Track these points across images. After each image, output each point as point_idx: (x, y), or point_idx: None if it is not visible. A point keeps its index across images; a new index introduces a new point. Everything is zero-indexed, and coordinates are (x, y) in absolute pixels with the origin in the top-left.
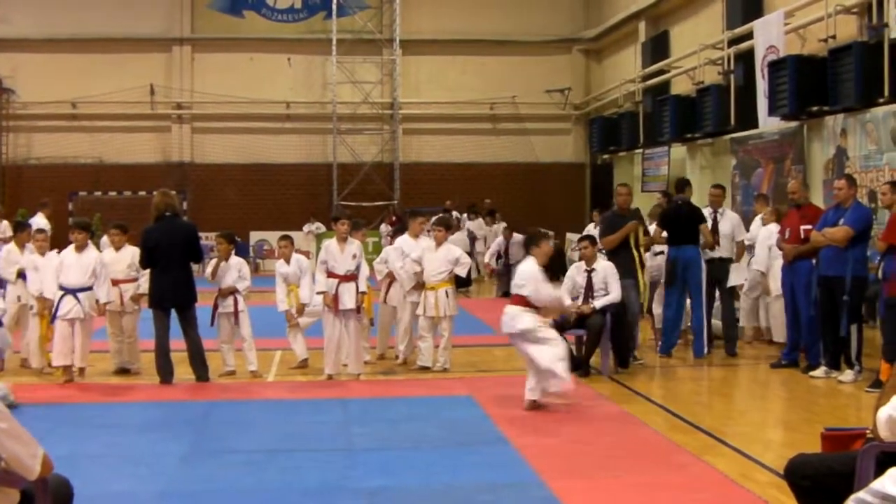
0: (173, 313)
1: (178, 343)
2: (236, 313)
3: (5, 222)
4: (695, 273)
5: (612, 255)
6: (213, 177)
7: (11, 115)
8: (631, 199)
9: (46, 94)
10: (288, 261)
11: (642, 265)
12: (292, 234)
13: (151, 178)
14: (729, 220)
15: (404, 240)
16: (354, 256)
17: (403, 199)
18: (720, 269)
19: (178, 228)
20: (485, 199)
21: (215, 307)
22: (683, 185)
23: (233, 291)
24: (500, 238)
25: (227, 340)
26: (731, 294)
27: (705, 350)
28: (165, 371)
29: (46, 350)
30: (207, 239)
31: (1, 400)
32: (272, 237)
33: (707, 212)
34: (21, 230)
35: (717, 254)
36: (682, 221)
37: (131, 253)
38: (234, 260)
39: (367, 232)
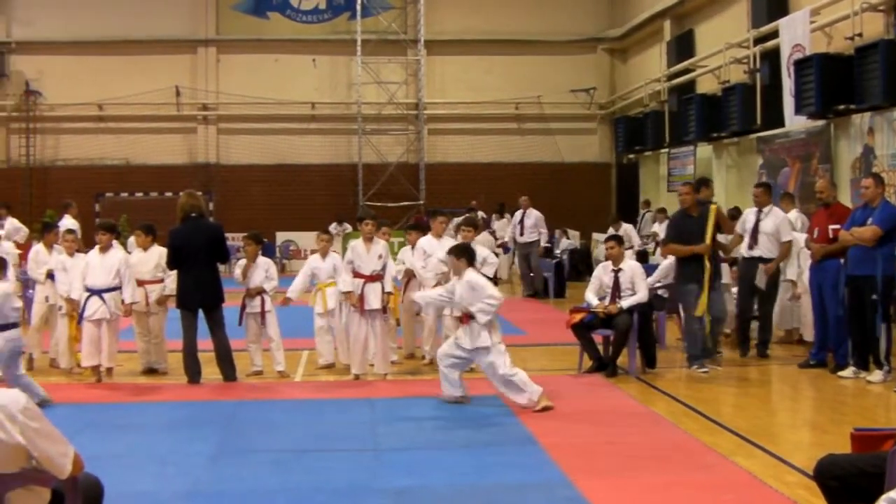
0: (201, 314)
1: (206, 343)
2: (263, 313)
3: (12, 220)
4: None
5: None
6: (238, 177)
7: (38, 117)
8: (693, 198)
9: (73, 95)
10: (324, 256)
11: (717, 271)
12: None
13: (178, 178)
14: (773, 220)
15: (427, 240)
16: (380, 257)
17: (429, 200)
18: (752, 268)
19: (204, 229)
20: (516, 196)
21: (243, 307)
22: (700, 184)
23: (260, 292)
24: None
25: (255, 340)
26: (770, 295)
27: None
28: (193, 371)
29: (75, 350)
30: (234, 240)
31: (36, 400)
32: (298, 237)
33: (752, 211)
34: (49, 231)
35: (756, 253)
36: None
37: (158, 254)
38: (262, 260)
39: (393, 232)
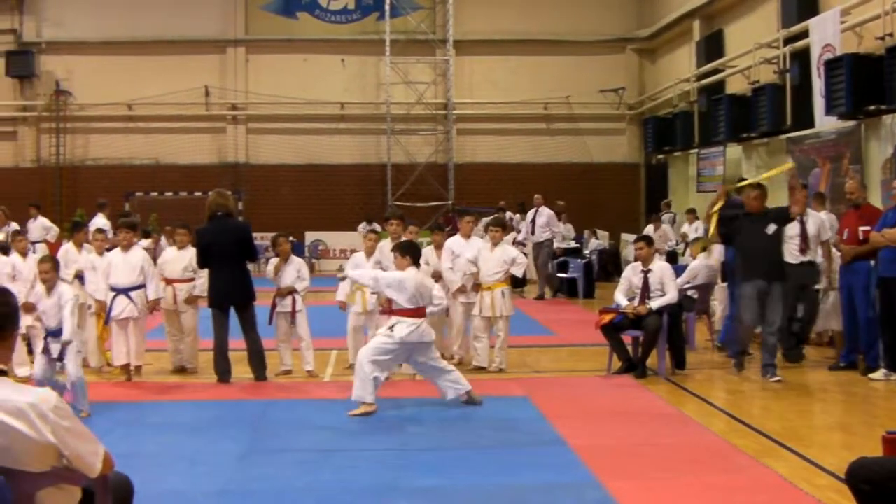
0: (234, 313)
1: (237, 342)
2: (293, 313)
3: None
4: None
5: None
6: (267, 177)
7: (68, 117)
8: (762, 202)
9: (103, 95)
10: (369, 255)
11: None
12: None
13: (207, 178)
14: (813, 222)
15: (455, 240)
16: None
17: (457, 200)
18: (804, 273)
19: (231, 228)
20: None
21: (273, 306)
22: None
23: (291, 292)
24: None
25: (285, 340)
26: (814, 300)
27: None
28: (222, 370)
29: (104, 349)
30: (263, 239)
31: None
32: (327, 237)
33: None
34: (78, 230)
35: (807, 257)
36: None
37: (191, 254)
38: (295, 260)
39: (421, 231)
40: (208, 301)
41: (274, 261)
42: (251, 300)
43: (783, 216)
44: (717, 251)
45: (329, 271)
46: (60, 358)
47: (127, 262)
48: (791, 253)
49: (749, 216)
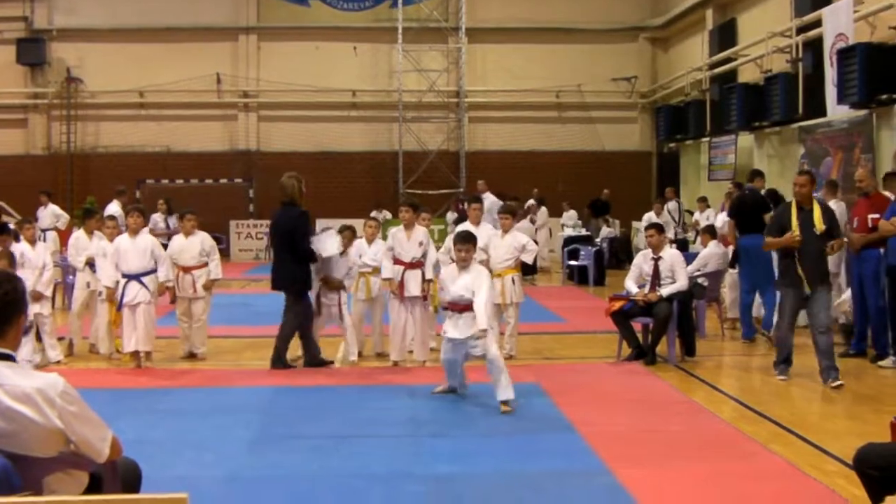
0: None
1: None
2: (340, 305)
3: (53, 207)
4: (761, 261)
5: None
6: (279, 164)
7: (79, 105)
8: (811, 190)
9: (114, 83)
10: (370, 242)
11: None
12: (356, 221)
13: (218, 165)
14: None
15: (464, 227)
16: (421, 244)
17: (469, 188)
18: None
19: (285, 217)
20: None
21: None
22: (754, 175)
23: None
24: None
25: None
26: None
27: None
28: (277, 355)
29: (115, 336)
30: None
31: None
32: (338, 224)
33: None
34: (89, 217)
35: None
36: (747, 210)
37: (201, 239)
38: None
39: (434, 219)
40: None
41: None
42: (294, 288)
43: (829, 214)
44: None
45: None
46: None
47: (136, 248)
48: None
49: (800, 209)
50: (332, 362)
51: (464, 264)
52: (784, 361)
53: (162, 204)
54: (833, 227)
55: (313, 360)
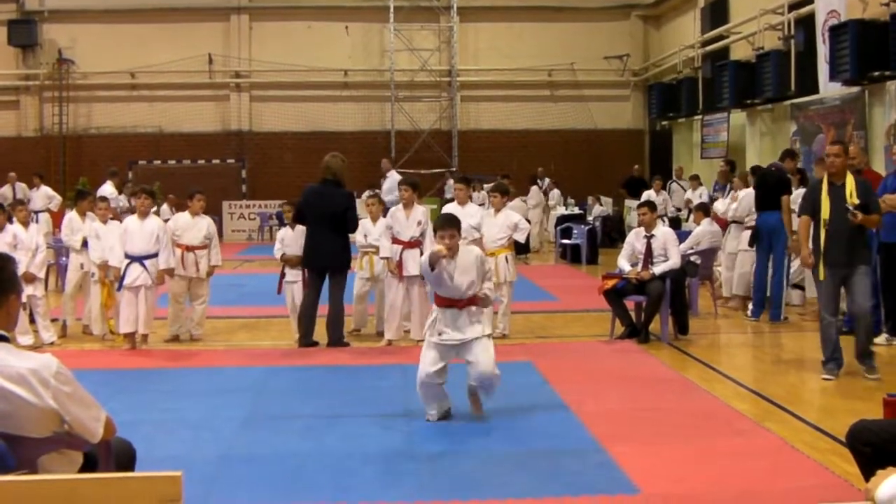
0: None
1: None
2: (304, 282)
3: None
4: (779, 240)
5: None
6: (271, 144)
7: (71, 86)
8: (845, 163)
9: (106, 64)
10: (375, 220)
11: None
12: None
13: (210, 146)
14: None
15: (451, 207)
16: (419, 223)
17: (461, 167)
18: None
19: (333, 196)
20: (539, 167)
21: (282, 276)
22: (785, 154)
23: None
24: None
25: (295, 309)
26: None
27: (781, 317)
28: (307, 331)
29: (108, 317)
30: (266, 207)
31: None
32: None
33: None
34: (82, 198)
35: None
36: (768, 188)
37: (207, 222)
38: (301, 229)
39: (427, 199)
40: (303, 262)
41: (282, 231)
42: (341, 267)
43: (865, 187)
44: (746, 202)
45: None
46: None
47: (143, 230)
48: None
49: (831, 184)
50: (317, 343)
51: (449, 252)
52: (832, 359)
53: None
54: (870, 202)
55: (309, 340)
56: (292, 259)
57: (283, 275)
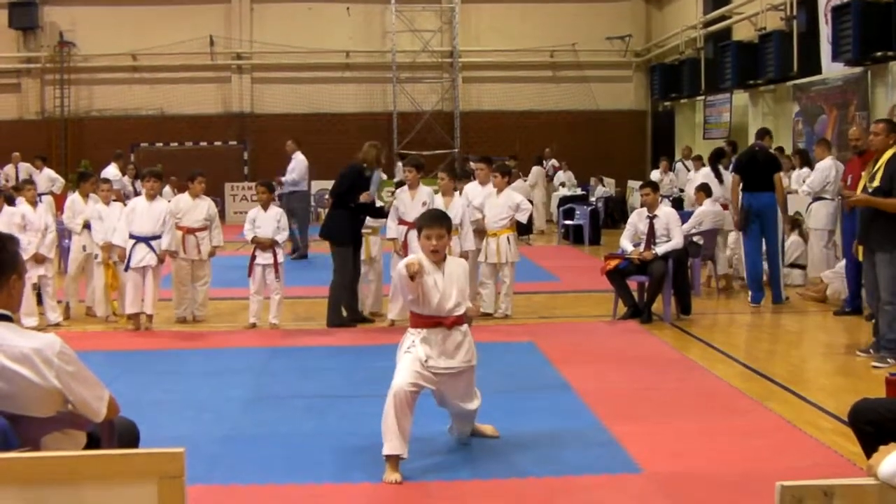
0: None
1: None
2: (276, 265)
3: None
4: (770, 220)
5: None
6: (273, 126)
7: (72, 68)
8: (887, 140)
9: (107, 46)
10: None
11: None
12: None
13: (212, 128)
14: None
15: (472, 187)
16: (424, 204)
17: (464, 148)
18: None
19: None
20: (545, 147)
21: (252, 258)
22: (763, 133)
23: (272, 244)
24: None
25: (259, 292)
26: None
27: (783, 298)
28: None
29: (111, 298)
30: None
31: None
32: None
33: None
34: (84, 180)
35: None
36: (758, 168)
37: (208, 204)
38: (273, 210)
39: (428, 180)
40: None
41: (253, 211)
42: (335, 241)
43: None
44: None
45: None
46: None
47: (151, 212)
48: None
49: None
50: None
51: (436, 257)
52: (885, 347)
53: (132, 168)
54: (894, 187)
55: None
56: (265, 241)
57: (253, 257)
